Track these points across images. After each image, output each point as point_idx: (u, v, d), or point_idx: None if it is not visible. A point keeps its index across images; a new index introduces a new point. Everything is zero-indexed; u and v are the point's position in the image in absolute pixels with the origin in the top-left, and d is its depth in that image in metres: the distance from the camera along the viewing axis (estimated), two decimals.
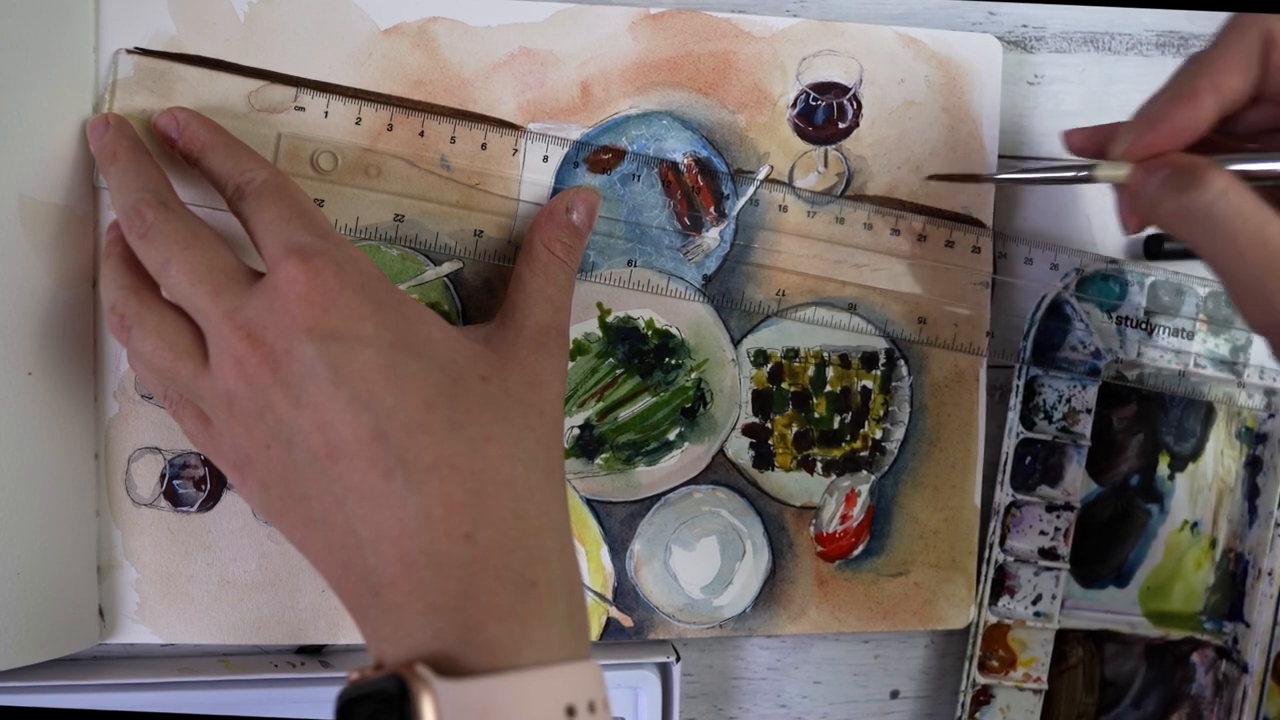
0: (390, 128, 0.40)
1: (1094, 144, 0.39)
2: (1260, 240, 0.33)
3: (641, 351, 0.43)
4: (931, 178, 0.43)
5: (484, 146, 0.41)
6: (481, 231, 0.41)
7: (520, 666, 0.29)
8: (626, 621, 0.44)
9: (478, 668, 0.29)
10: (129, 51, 0.38)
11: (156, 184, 0.35)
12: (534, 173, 0.41)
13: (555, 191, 0.41)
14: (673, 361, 0.43)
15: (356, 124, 0.40)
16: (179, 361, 0.33)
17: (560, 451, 0.35)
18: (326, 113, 0.39)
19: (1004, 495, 0.46)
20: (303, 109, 0.39)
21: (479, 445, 0.31)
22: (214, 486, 0.40)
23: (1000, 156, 0.45)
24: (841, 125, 0.43)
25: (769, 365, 0.44)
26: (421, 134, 0.40)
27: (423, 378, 0.32)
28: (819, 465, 0.44)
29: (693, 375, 0.43)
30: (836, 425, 0.44)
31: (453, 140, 0.40)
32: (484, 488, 0.31)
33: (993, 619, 0.46)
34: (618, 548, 0.43)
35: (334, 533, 0.31)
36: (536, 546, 0.31)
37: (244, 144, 0.37)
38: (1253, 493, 0.48)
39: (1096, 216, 0.47)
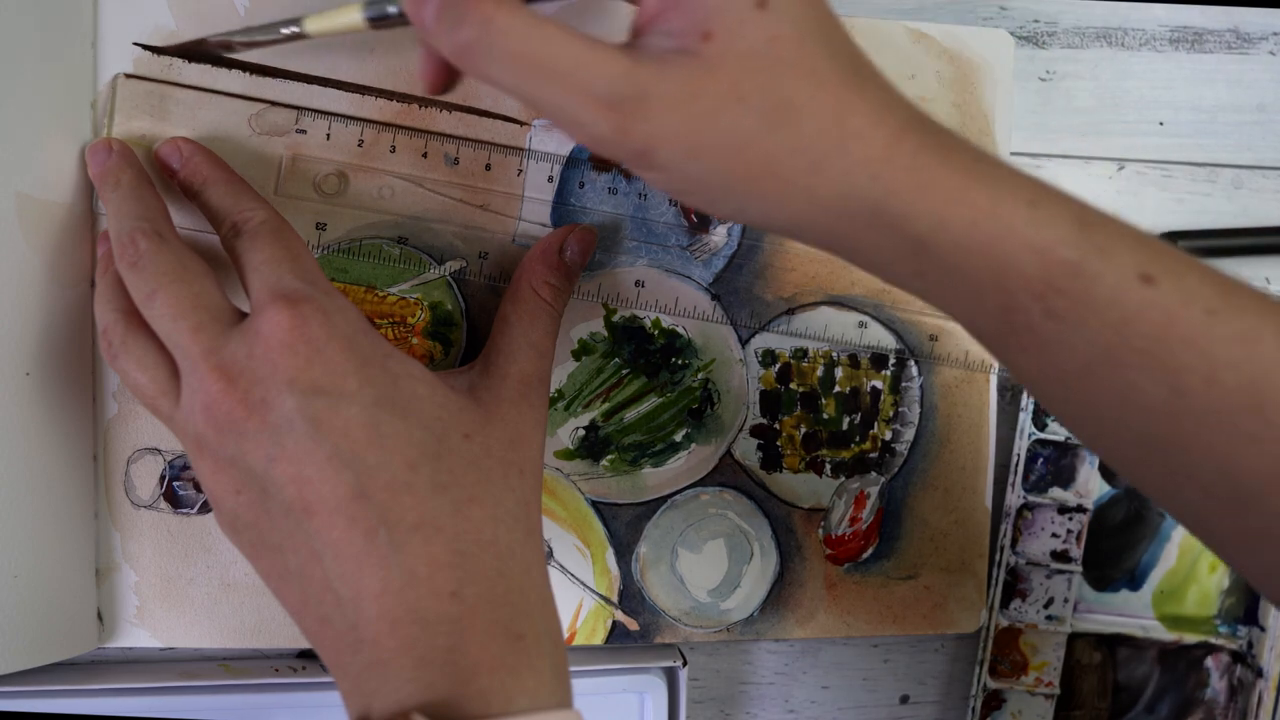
0: (393, 149, 0.39)
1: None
2: (548, 70, 0.28)
3: (648, 351, 0.42)
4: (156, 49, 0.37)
5: (488, 167, 0.40)
6: (486, 254, 0.40)
7: (514, 713, 0.29)
8: (632, 625, 0.43)
9: (473, 714, 0.29)
10: (128, 76, 0.37)
11: (155, 214, 0.34)
12: (537, 192, 0.40)
13: (556, 206, 0.41)
14: (679, 362, 0.42)
15: (359, 146, 0.39)
16: (159, 397, 0.33)
17: (539, 510, 0.35)
18: (329, 135, 0.39)
19: (1015, 497, 0.45)
20: (304, 132, 0.39)
21: (463, 506, 0.31)
22: None
23: (1013, 154, 0.44)
24: None
25: (777, 365, 0.43)
26: (424, 155, 0.39)
27: (406, 436, 0.31)
28: (828, 467, 0.44)
29: (700, 375, 0.43)
30: (845, 426, 0.44)
31: (456, 161, 0.40)
32: (468, 548, 0.31)
33: (1004, 623, 0.46)
34: (623, 550, 0.43)
35: (311, 587, 0.30)
36: (521, 602, 0.31)
37: (245, 182, 0.36)
38: None
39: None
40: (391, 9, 0.32)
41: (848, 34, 0.30)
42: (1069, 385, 0.30)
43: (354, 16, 0.33)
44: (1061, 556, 0.46)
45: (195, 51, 0.38)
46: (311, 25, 0.34)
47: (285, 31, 0.35)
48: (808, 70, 0.28)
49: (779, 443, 0.43)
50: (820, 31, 0.29)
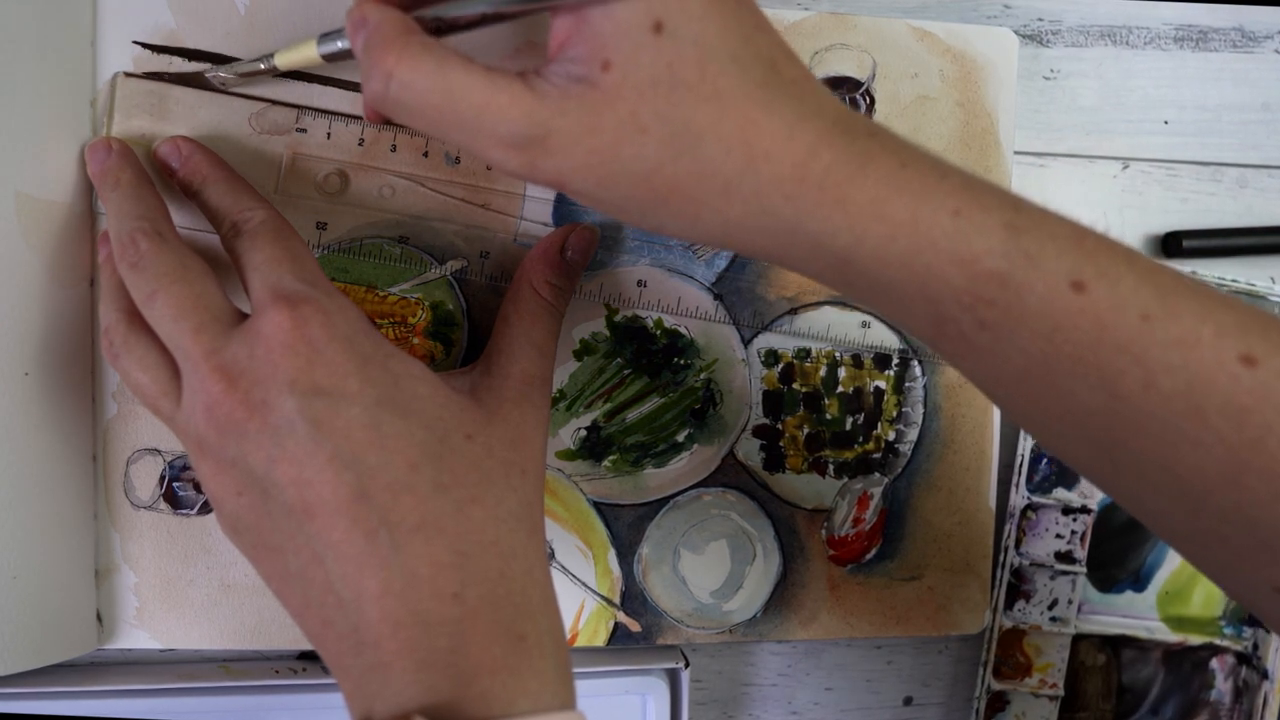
0: (394, 148, 0.39)
1: None
2: (452, 119, 0.28)
3: (650, 351, 0.42)
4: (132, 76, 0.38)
5: (489, 166, 0.40)
6: (487, 253, 0.40)
7: (516, 715, 0.29)
8: (634, 626, 0.43)
9: (475, 716, 0.29)
10: (127, 75, 0.37)
11: (155, 214, 0.34)
12: (538, 191, 0.40)
13: (558, 205, 0.40)
14: (681, 361, 0.42)
15: (360, 145, 0.39)
16: (160, 398, 0.33)
17: (541, 510, 0.34)
18: (329, 134, 0.39)
19: (1019, 498, 0.45)
20: (305, 131, 0.38)
21: (464, 507, 0.31)
22: None
23: (1017, 153, 0.44)
24: None
25: (780, 365, 0.43)
26: (425, 154, 0.39)
27: (408, 437, 0.31)
28: (831, 467, 0.44)
29: (702, 375, 0.42)
30: (849, 427, 0.44)
31: (457, 160, 0.40)
32: (470, 549, 0.31)
33: (1008, 624, 0.46)
34: (625, 551, 0.43)
35: (312, 589, 0.30)
36: (523, 603, 0.31)
37: (245, 181, 0.36)
38: None
39: (1113, 214, 0.46)
40: (340, 44, 0.34)
41: (769, 39, 0.29)
42: (1009, 389, 0.30)
43: (311, 52, 0.35)
44: (1065, 557, 0.46)
45: (193, 53, 0.38)
46: (280, 60, 0.36)
47: (263, 66, 0.37)
48: (710, 93, 0.28)
49: (782, 443, 0.43)
50: (725, 48, 0.28)
